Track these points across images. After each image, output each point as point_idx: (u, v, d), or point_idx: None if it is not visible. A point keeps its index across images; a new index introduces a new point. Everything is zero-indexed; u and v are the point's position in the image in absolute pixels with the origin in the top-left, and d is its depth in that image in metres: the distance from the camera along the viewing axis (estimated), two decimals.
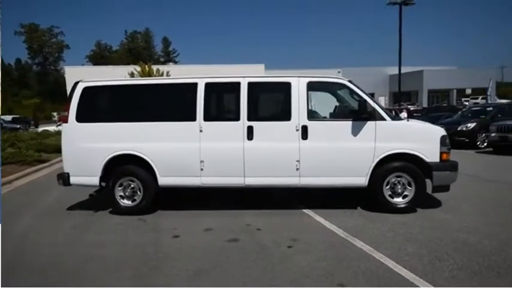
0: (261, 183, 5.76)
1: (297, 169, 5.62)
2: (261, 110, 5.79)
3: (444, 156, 5.53)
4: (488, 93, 29.95)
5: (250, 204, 6.19)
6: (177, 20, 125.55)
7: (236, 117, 5.70)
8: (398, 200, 5.61)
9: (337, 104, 6.03)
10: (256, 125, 5.64)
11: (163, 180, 5.83)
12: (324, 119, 5.71)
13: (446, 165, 5.52)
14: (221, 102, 5.93)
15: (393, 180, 5.58)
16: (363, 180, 5.59)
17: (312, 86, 5.69)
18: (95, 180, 5.94)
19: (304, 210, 5.90)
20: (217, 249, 4.39)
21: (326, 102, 6.07)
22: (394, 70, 38.68)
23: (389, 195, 5.61)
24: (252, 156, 5.64)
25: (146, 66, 23.77)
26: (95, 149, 5.87)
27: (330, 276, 3.58)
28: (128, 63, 54.72)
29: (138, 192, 5.93)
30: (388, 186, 5.59)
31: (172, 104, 5.99)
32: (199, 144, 5.72)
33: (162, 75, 28.24)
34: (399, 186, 5.58)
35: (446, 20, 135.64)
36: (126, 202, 5.97)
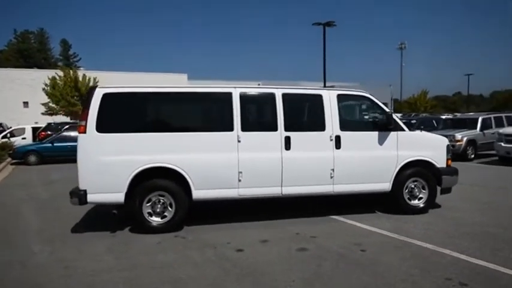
0: (298, 192, 5.92)
1: (331, 177, 5.94)
2: (296, 120, 5.96)
3: (449, 162, 6.45)
4: (390, 108, 34.54)
5: (262, 214, 6.26)
6: (80, 23, 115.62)
7: (274, 128, 5.79)
8: (415, 202, 6.33)
9: (359, 115, 6.55)
10: (293, 135, 5.81)
11: (198, 193, 5.57)
12: (354, 129, 6.15)
13: (451, 170, 6.45)
14: (257, 113, 5.95)
15: (411, 184, 6.29)
16: (387, 186, 6.17)
17: (340, 98, 6.11)
18: (119, 197, 5.38)
19: (332, 216, 6.23)
20: (296, 259, 4.42)
21: (348, 114, 6.51)
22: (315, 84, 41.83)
23: (408, 198, 6.30)
24: (289, 165, 5.78)
25: (71, 71, 21.49)
26: (120, 162, 5.35)
27: (434, 271, 3.96)
28: (18, 66, 48.39)
29: (169, 208, 5.55)
30: (406, 190, 6.27)
31: (207, 113, 5.82)
32: (238, 154, 5.65)
33: (89, 81, 25.93)
34: (416, 190, 6.32)
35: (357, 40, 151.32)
36: (156, 219, 5.53)
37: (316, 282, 3.77)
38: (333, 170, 5.93)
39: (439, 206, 6.78)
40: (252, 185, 5.72)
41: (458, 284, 3.65)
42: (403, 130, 6.23)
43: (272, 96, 5.88)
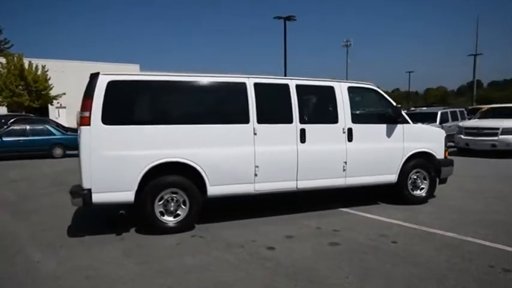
0: (312, 185, 5.80)
1: (344, 170, 5.90)
2: (310, 113, 5.81)
3: (446, 153, 6.72)
4: None
5: (268, 210, 6.10)
6: (14, 8, 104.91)
7: (289, 120, 5.60)
8: (417, 192, 6.51)
9: (366, 108, 6.56)
10: (308, 127, 5.67)
11: (213, 189, 5.22)
12: (364, 122, 6.13)
13: (448, 161, 6.72)
14: (272, 104, 5.67)
15: (413, 176, 6.46)
16: (393, 177, 6.27)
17: (350, 91, 6.07)
18: (128, 195, 4.88)
19: (341, 209, 6.22)
20: (334, 254, 4.29)
21: (357, 106, 6.47)
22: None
23: (411, 189, 6.46)
24: (304, 159, 5.63)
25: (15, 57, 19.35)
26: (130, 157, 4.85)
27: (474, 259, 4.02)
28: None
29: (183, 206, 5.15)
30: (410, 181, 6.43)
31: (223, 104, 5.45)
32: (254, 148, 5.38)
33: (37, 69, 23.53)
34: (419, 181, 6.50)
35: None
36: (168, 219, 5.10)
37: (370, 277, 3.67)
38: (345, 162, 5.89)
39: (433, 196, 7.07)
40: (268, 179, 5.49)
41: (502, 271, 3.75)
42: (408, 123, 6.37)
43: (286, 88, 5.67)
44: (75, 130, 15.97)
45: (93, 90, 4.79)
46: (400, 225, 5.33)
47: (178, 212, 5.13)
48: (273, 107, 5.68)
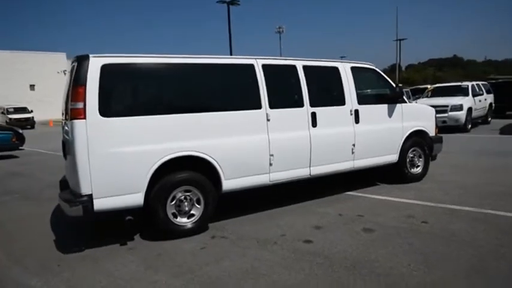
0: (324, 171, 5.52)
1: (352, 153, 5.72)
2: (319, 95, 5.45)
3: (437, 131, 6.89)
4: None
5: (273, 199, 5.77)
6: None
7: (300, 104, 5.23)
8: (414, 170, 6.59)
9: (367, 88, 6.38)
10: (318, 110, 5.35)
11: (228, 184, 4.70)
12: (368, 103, 5.95)
13: (439, 138, 6.90)
14: (281, 87, 5.22)
15: (410, 154, 6.52)
16: (395, 157, 6.26)
17: (353, 71, 5.85)
18: (137, 198, 4.17)
19: (347, 193, 6.06)
20: (377, 241, 4.04)
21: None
22: None
23: (409, 167, 6.52)
24: (317, 144, 5.33)
25: None
26: (137, 154, 4.13)
27: None
28: None
29: (197, 205, 4.56)
30: (408, 160, 6.48)
31: (233, 89, 4.88)
32: (268, 135, 4.94)
33: None
34: (416, 159, 6.58)
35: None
36: (182, 220, 4.48)
37: (432, 262, 3.49)
38: (353, 145, 5.71)
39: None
40: (283, 168, 5.10)
41: None
42: (405, 102, 6.37)
43: (294, 69, 5.27)
44: (5, 129, 13.94)
45: (85, 76, 3.94)
46: (417, 204, 5.30)
47: (192, 212, 4.54)
48: (283, 90, 5.27)
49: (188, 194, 4.49)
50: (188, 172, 4.45)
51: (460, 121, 13.27)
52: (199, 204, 4.55)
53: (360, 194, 5.97)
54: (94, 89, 3.95)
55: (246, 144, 4.79)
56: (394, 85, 6.23)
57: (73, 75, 4.00)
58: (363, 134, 5.77)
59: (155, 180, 4.25)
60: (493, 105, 16.80)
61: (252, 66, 4.92)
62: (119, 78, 4.16)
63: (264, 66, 4.99)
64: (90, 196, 3.94)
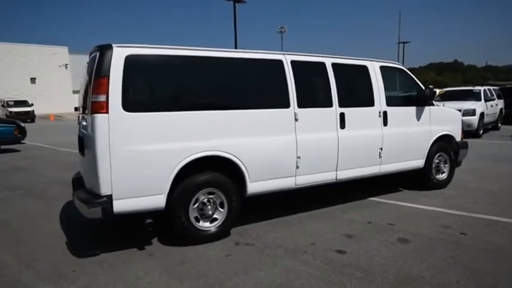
0: (350, 176, 5.22)
1: (380, 157, 5.44)
2: (347, 94, 5.16)
3: (463, 135, 6.61)
4: None
5: (294, 205, 5.52)
6: None
7: (329, 103, 4.94)
8: (440, 176, 6.31)
9: (394, 89, 6.09)
10: (347, 111, 5.06)
11: (253, 186, 4.40)
12: (396, 104, 5.65)
13: (465, 143, 6.62)
14: (310, 86, 4.93)
15: (436, 160, 6.24)
16: (421, 162, 5.98)
17: (382, 70, 5.57)
18: (159, 200, 3.87)
19: (370, 199, 5.78)
20: (416, 253, 3.75)
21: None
22: None
23: (435, 173, 6.24)
24: (344, 147, 5.04)
25: None
26: (162, 152, 3.83)
27: None
28: None
29: (220, 209, 4.26)
30: (434, 165, 6.20)
31: (261, 86, 4.59)
32: (295, 136, 4.65)
33: None
34: (441, 164, 6.30)
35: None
36: (205, 224, 4.19)
37: (482, 279, 3.22)
38: (381, 149, 5.42)
39: None
40: (309, 171, 4.80)
41: None
42: (433, 105, 6.09)
43: (323, 66, 4.98)
44: (8, 122, 13.57)
45: (108, 67, 3.64)
46: (448, 213, 5.01)
47: (215, 215, 4.25)
48: (312, 88, 4.98)
49: (212, 196, 4.19)
50: (212, 173, 4.15)
51: (472, 126, 13.01)
52: (222, 207, 4.26)
53: (384, 201, 5.69)
54: (117, 81, 3.64)
55: (273, 145, 4.50)
56: (423, 87, 5.95)
57: (95, 66, 3.69)
58: (391, 137, 5.49)
59: (178, 181, 3.96)
60: (504, 110, 16.57)
61: (280, 62, 4.63)
62: (143, 70, 3.86)
63: (293, 63, 4.70)
64: (109, 197, 3.64)
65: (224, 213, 4.26)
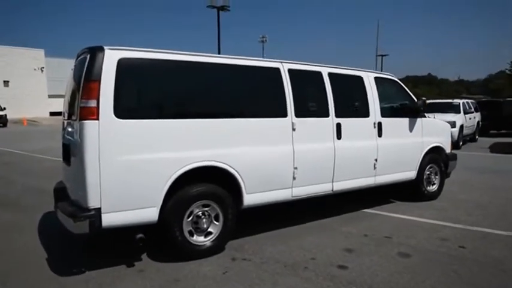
0: (346, 187, 5.12)
1: (375, 168, 5.36)
2: (343, 105, 5.06)
3: (452, 147, 6.66)
4: None
5: (290, 216, 5.38)
6: None
7: (325, 113, 4.84)
8: (431, 188, 6.31)
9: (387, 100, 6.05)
10: (343, 122, 4.97)
11: (249, 198, 4.21)
12: (390, 116, 5.61)
13: (454, 155, 6.67)
14: (307, 95, 4.80)
15: (427, 171, 6.23)
16: (414, 174, 5.95)
17: (376, 81, 5.53)
18: (151, 214, 3.62)
19: (363, 210, 5.69)
20: (418, 268, 3.65)
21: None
22: None
23: (426, 185, 6.23)
24: (341, 157, 4.93)
25: None
26: (155, 162, 3.60)
27: None
28: None
29: (215, 222, 4.04)
30: (425, 177, 6.19)
31: (258, 94, 4.42)
32: (292, 146, 4.50)
33: None
34: (432, 176, 6.30)
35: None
36: (199, 239, 3.95)
37: None
38: (376, 160, 5.35)
39: None
40: (306, 183, 4.66)
41: None
42: (424, 116, 6.10)
43: (320, 76, 4.89)
44: None
45: (100, 70, 3.39)
46: (444, 225, 4.97)
47: (210, 229, 4.02)
48: (308, 97, 4.85)
49: (206, 209, 3.97)
50: (207, 184, 3.94)
51: (453, 138, 13.20)
52: (217, 220, 4.04)
53: (378, 212, 5.61)
54: (109, 85, 3.40)
55: (270, 155, 4.33)
56: (415, 98, 5.95)
57: (85, 69, 3.43)
58: (385, 148, 5.43)
59: (171, 193, 3.72)
60: (480, 123, 17.07)
61: (278, 70, 4.50)
62: (136, 75, 3.63)
63: (290, 71, 4.58)
64: (98, 210, 3.37)
65: (219, 226, 4.04)
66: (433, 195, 6.29)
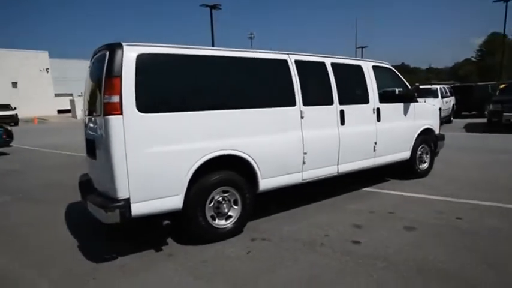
0: (350, 169, 5.05)
1: (374, 150, 5.30)
2: (345, 92, 4.94)
3: (440, 129, 6.62)
4: None
5: (298, 196, 5.32)
6: None
7: (330, 101, 4.73)
8: (422, 166, 6.29)
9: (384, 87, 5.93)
10: (346, 108, 4.87)
11: (264, 183, 4.12)
12: (387, 101, 5.51)
13: (442, 135, 6.64)
14: (312, 84, 4.67)
15: (419, 151, 6.20)
16: (408, 154, 5.91)
17: (374, 70, 5.42)
18: (176, 201, 3.51)
19: (364, 189, 5.65)
20: (425, 241, 3.61)
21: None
22: None
23: (418, 163, 6.20)
24: (345, 141, 4.86)
25: None
26: (177, 153, 3.46)
27: None
28: None
29: (234, 206, 3.95)
30: (417, 156, 6.16)
31: (270, 84, 4.27)
32: (302, 133, 4.40)
33: None
34: (424, 155, 6.27)
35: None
36: (221, 222, 3.86)
37: (501, 265, 3.11)
38: (375, 143, 5.29)
39: None
40: (314, 166, 4.58)
41: None
42: (417, 101, 6.03)
43: (323, 66, 4.76)
44: None
45: (120, 66, 3.22)
46: (439, 200, 4.95)
47: (230, 213, 3.93)
48: (314, 87, 4.73)
49: (226, 194, 3.87)
50: (226, 172, 3.83)
51: None
52: (236, 205, 3.95)
53: (377, 190, 5.58)
54: (130, 81, 3.24)
55: (282, 142, 4.23)
56: (408, 85, 5.87)
57: (105, 66, 3.25)
58: (383, 132, 5.37)
59: (194, 181, 3.60)
60: (455, 106, 17.14)
61: (285, 61, 4.36)
62: (155, 70, 3.45)
63: (297, 62, 4.44)
64: (127, 200, 3.24)
65: (238, 210, 3.95)
66: (425, 173, 6.28)
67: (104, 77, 3.24)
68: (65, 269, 3.35)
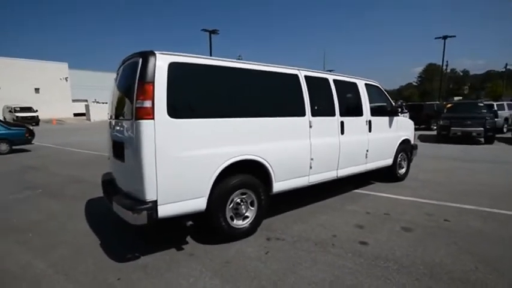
0: (347, 173, 4.68)
1: (366, 157, 4.97)
2: (344, 106, 4.60)
3: (414, 139, 6.39)
4: None
5: (298, 197, 4.93)
6: None
7: (332, 113, 4.36)
8: (401, 171, 6.01)
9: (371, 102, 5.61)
10: (345, 120, 4.52)
11: (277, 185, 3.69)
12: (376, 115, 5.20)
13: (416, 145, 6.40)
14: (319, 97, 4.29)
15: (399, 158, 5.92)
16: (391, 161, 5.62)
17: (366, 87, 5.10)
18: (200, 203, 3.02)
19: (355, 191, 5.29)
20: (423, 241, 3.28)
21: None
22: None
23: (398, 169, 5.92)
24: (344, 149, 4.50)
25: None
26: (203, 157, 2.99)
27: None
28: None
29: (251, 207, 3.49)
30: (398, 162, 5.88)
31: (284, 96, 3.85)
32: (310, 140, 4.00)
33: None
34: (402, 162, 6.00)
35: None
36: (239, 223, 3.39)
37: (494, 264, 2.80)
38: (367, 150, 4.96)
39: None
40: (319, 171, 4.19)
41: None
42: (398, 115, 5.76)
43: (327, 82, 4.40)
44: (19, 125, 11.42)
45: (153, 73, 2.73)
46: (424, 202, 4.62)
47: (246, 214, 3.47)
48: (320, 100, 4.34)
49: (244, 196, 3.41)
50: (244, 175, 3.37)
51: None
52: (253, 206, 3.49)
53: (367, 192, 5.23)
54: (162, 87, 2.75)
55: (293, 149, 3.81)
56: (392, 101, 5.60)
57: (138, 72, 2.75)
58: (374, 141, 5.05)
59: (216, 184, 3.13)
60: None
61: (297, 76, 3.96)
62: (186, 78, 2.97)
63: (306, 77, 4.05)
64: (155, 202, 2.74)
65: (255, 211, 3.49)
66: (403, 177, 6.01)
67: (137, 83, 2.74)
68: (88, 268, 2.80)
